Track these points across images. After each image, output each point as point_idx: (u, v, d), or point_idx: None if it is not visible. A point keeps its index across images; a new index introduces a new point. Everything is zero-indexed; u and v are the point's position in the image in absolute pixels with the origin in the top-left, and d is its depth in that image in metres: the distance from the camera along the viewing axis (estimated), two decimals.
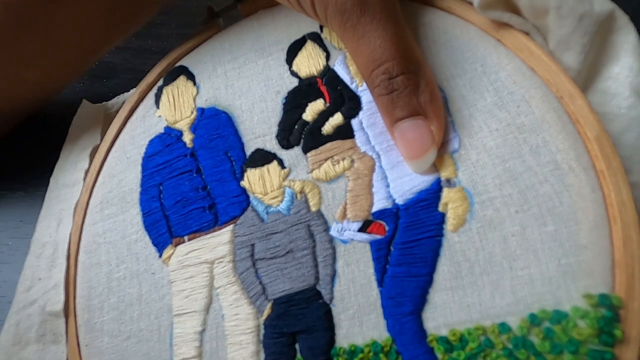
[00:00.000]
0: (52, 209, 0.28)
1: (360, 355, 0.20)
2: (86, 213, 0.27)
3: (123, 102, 0.34)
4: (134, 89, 0.34)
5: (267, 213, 0.24)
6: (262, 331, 0.22)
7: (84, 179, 0.28)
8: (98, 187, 0.27)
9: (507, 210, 0.20)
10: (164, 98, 0.28)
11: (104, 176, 0.27)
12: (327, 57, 0.25)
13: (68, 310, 0.25)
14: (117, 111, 0.33)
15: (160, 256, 0.25)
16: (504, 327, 0.19)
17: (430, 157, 0.21)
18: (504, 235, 0.20)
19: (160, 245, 0.25)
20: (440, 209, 0.21)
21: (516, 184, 0.20)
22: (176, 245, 0.25)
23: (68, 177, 0.29)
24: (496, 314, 0.19)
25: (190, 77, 0.27)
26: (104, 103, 0.33)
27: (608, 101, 0.20)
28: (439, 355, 0.19)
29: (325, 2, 0.21)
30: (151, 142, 0.27)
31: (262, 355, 0.22)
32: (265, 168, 0.24)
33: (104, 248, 0.26)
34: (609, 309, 0.18)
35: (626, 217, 0.18)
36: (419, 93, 0.21)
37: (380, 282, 0.21)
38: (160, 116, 0.27)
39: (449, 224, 0.21)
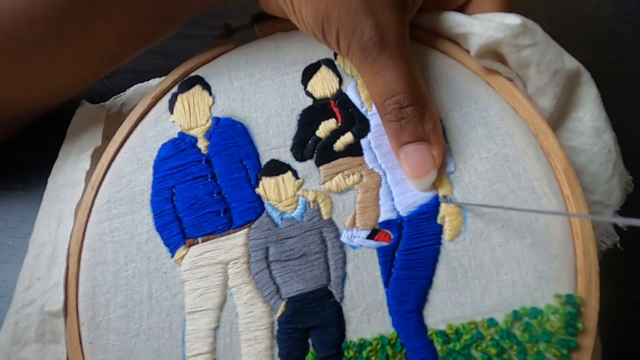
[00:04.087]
0: (51, 209, 0.28)
1: (369, 348, 0.23)
2: (91, 212, 0.27)
3: (121, 104, 0.34)
4: (130, 88, 0.34)
5: (281, 219, 0.26)
6: (276, 327, 0.24)
7: (86, 179, 0.28)
8: (105, 187, 0.27)
9: (494, 225, 0.24)
10: (178, 105, 0.29)
11: (111, 176, 0.28)
12: (340, 82, 0.28)
13: (68, 309, 0.25)
14: (115, 113, 0.33)
15: (172, 256, 0.26)
16: (492, 322, 0.23)
17: (431, 177, 0.25)
18: (492, 246, 0.24)
19: (172, 245, 0.26)
20: (439, 221, 0.25)
21: (501, 203, 0.24)
22: (189, 246, 0.26)
23: (68, 178, 0.28)
24: (485, 311, 0.23)
25: (206, 87, 0.29)
26: (101, 104, 0.33)
27: (576, 138, 0.25)
28: (438, 347, 0.23)
29: (349, 39, 0.25)
30: (164, 146, 0.28)
31: (276, 350, 0.23)
32: (280, 177, 0.26)
33: (110, 247, 0.26)
34: (574, 306, 0.22)
35: (585, 233, 0.23)
36: (424, 122, 0.25)
37: (386, 284, 0.24)
38: (174, 121, 0.28)
39: (446, 234, 0.24)
